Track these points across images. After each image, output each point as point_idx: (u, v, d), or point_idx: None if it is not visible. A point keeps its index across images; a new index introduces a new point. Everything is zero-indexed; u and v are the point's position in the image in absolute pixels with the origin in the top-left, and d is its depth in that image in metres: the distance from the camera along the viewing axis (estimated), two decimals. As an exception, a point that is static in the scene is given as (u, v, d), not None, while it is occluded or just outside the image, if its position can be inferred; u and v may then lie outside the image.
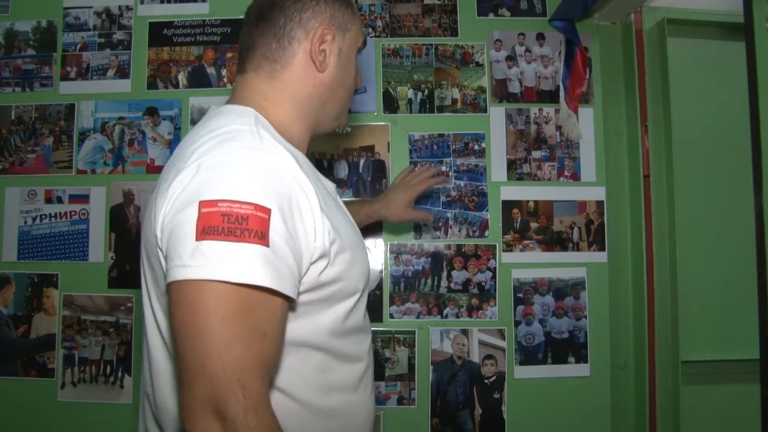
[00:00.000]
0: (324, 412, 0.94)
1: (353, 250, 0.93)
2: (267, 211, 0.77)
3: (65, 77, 2.01)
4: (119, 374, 1.92)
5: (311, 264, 0.85)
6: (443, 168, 1.94)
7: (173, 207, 0.79)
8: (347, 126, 1.16)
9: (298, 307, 0.87)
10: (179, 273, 0.76)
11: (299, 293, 0.85)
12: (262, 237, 0.76)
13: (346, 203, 1.15)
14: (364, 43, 1.09)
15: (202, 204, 0.76)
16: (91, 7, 2.03)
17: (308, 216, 0.83)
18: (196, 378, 0.74)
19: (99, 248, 1.95)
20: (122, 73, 2.00)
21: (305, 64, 0.98)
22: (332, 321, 0.92)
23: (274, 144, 0.86)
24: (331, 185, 1.06)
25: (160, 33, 2.01)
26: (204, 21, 2.01)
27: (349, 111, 1.21)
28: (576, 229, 1.95)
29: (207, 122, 0.93)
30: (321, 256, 0.86)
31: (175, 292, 0.77)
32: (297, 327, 0.88)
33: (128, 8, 2.03)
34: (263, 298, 0.77)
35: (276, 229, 0.78)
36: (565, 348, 1.93)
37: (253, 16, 1.01)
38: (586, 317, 1.93)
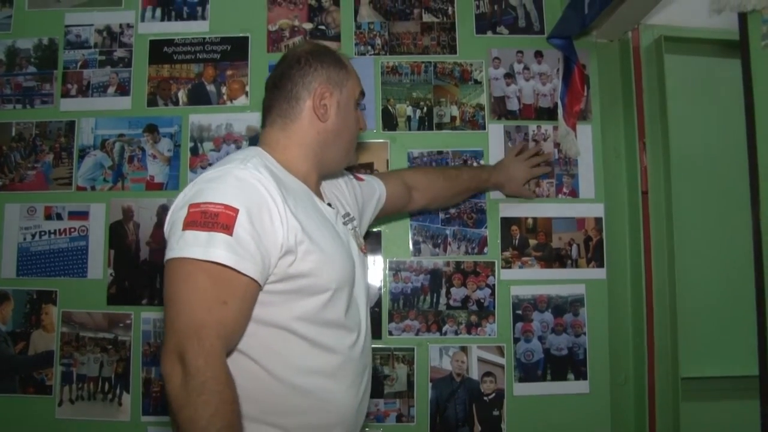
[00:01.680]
0: (298, 390, 1.13)
1: (327, 254, 1.15)
2: (235, 210, 1.03)
3: (66, 94, 2.02)
4: (117, 391, 1.91)
5: (280, 258, 1.08)
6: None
7: (174, 210, 1.10)
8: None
9: (274, 295, 1.11)
10: (168, 254, 1.04)
11: (273, 282, 1.10)
12: (227, 228, 1.02)
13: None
14: (362, 94, 1.36)
15: (191, 206, 1.05)
16: (92, 25, 2.04)
17: (276, 219, 1.07)
18: (169, 331, 1.00)
19: (98, 265, 1.95)
20: (122, 90, 2.01)
21: (310, 117, 1.25)
22: (304, 311, 1.13)
23: (257, 168, 1.12)
24: (330, 210, 1.30)
25: (160, 51, 2.03)
26: (204, 39, 2.02)
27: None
28: (575, 246, 1.96)
29: (227, 156, 1.26)
30: (287, 252, 1.09)
31: (165, 269, 1.05)
32: (272, 311, 1.11)
33: (129, 26, 2.04)
34: (228, 275, 1.02)
35: (241, 224, 1.03)
36: (565, 365, 1.92)
37: (270, 85, 1.29)
38: (585, 334, 1.93)
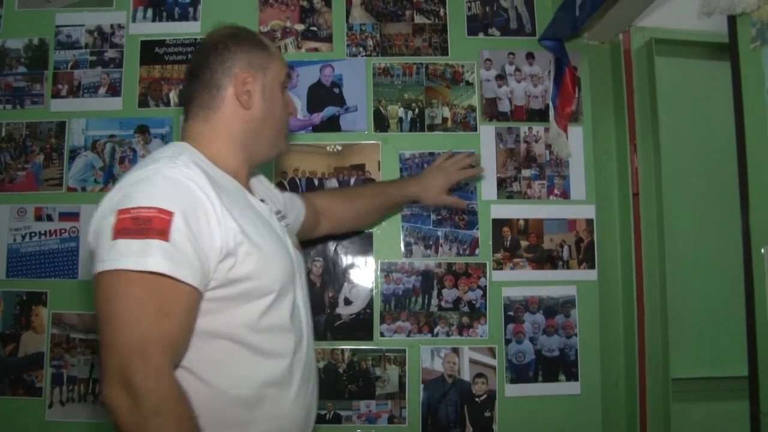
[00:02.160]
0: (245, 402, 1.07)
1: (267, 255, 1.09)
2: (169, 213, 0.96)
3: (56, 95, 2.01)
4: (108, 393, 1.90)
5: (219, 262, 1.02)
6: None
7: (99, 217, 1.01)
8: (287, 149, 1.38)
9: (215, 302, 1.03)
10: (98, 267, 0.95)
11: (214, 288, 1.02)
12: (162, 234, 0.94)
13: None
14: (289, 76, 1.30)
15: (119, 212, 0.96)
16: (83, 26, 2.03)
17: (213, 220, 1.01)
18: (108, 354, 0.92)
19: (89, 266, 1.93)
20: (113, 91, 2.00)
21: (234, 106, 1.18)
22: (248, 316, 1.07)
23: (187, 165, 1.04)
24: (263, 207, 1.23)
25: (151, 51, 2.02)
26: (195, 40, 2.01)
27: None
28: (566, 247, 1.96)
29: (150, 154, 1.16)
30: (227, 255, 1.02)
31: (96, 284, 0.96)
32: (215, 320, 1.04)
33: (120, 27, 2.03)
34: (167, 284, 0.94)
35: (177, 228, 0.95)
36: (556, 366, 1.93)
37: (188, 75, 1.23)
38: (576, 335, 1.93)
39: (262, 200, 1.25)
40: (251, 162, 1.24)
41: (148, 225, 0.94)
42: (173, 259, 0.94)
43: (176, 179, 1.01)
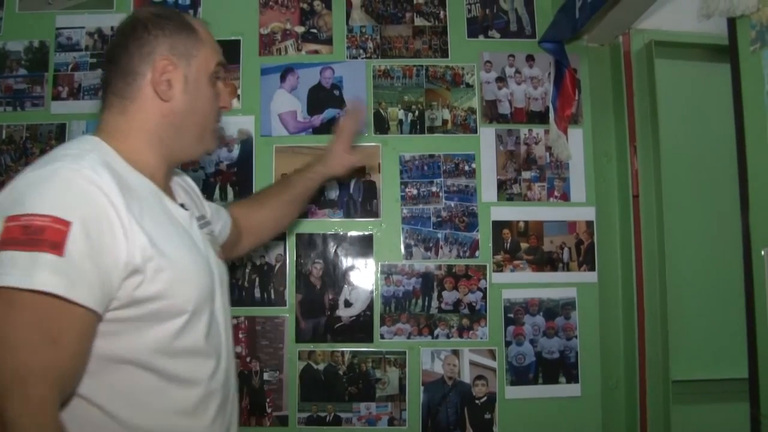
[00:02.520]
0: None
1: (181, 271, 0.97)
2: (66, 223, 0.83)
3: (57, 97, 2.01)
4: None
5: (124, 280, 0.89)
6: (433, 189, 1.95)
7: None
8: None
9: (119, 324, 0.91)
10: None
11: (117, 308, 0.90)
12: (56, 247, 0.81)
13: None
14: (221, 64, 1.13)
15: (8, 219, 0.83)
16: (83, 28, 2.03)
17: (119, 232, 0.88)
18: None
19: None
20: (114, 93, 2.00)
21: (152, 96, 1.04)
22: (158, 340, 0.94)
23: (93, 167, 0.90)
24: (183, 213, 1.10)
25: (151, 53, 2.02)
26: (196, 42, 2.01)
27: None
28: (566, 249, 1.96)
29: (54, 149, 1.00)
30: (133, 272, 0.89)
31: None
32: (118, 344, 0.91)
33: (120, 29, 2.03)
34: (57, 306, 0.82)
35: (74, 241, 0.83)
36: (556, 368, 1.92)
37: (104, 60, 1.10)
38: (576, 337, 1.93)
39: (182, 205, 1.12)
40: (171, 161, 1.11)
41: (39, 236, 0.81)
42: (67, 276, 0.82)
43: (78, 183, 0.87)
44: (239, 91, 1.99)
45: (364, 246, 1.93)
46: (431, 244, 1.94)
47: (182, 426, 0.99)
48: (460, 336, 1.92)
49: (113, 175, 0.92)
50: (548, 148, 2.00)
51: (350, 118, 1.63)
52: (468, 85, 2.01)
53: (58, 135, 1.99)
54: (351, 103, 1.79)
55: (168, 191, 1.10)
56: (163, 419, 0.96)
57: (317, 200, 1.93)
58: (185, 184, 1.25)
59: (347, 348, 1.90)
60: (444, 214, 1.95)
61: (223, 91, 1.14)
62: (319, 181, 1.60)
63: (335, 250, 1.93)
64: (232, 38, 2.02)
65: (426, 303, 1.92)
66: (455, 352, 1.91)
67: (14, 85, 2.01)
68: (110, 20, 2.04)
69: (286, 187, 1.58)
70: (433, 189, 1.95)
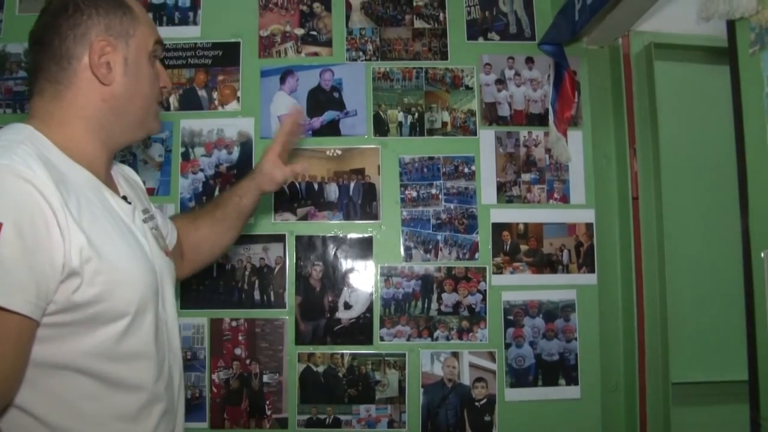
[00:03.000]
0: None
1: (121, 272, 0.91)
2: None
3: (56, 99, 2.01)
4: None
5: (61, 282, 0.83)
6: (433, 191, 1.95)
7: None
8: (156, 131, 1.14)
9: (56, 328, 0.85)
10: None
11: (54, 313, 0.84)
12: None
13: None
14: (159, 42, 1.08)
15: None
16: (84, 30, 2.04)
17: (55, 232, 0.81)
18: None
19: None
20: (113, 95, 2.00)
21: (89, 80, 0.98)
22: (99, 344, 0.89)
23: (25, 161, 0.83)
24: (125, 206, 1.04)
25: (151, 56, 2.02)
26: (195, 44, 2.02)
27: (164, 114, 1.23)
28: (566, 252, 1.96)
29: None
30: (71, 274, 0.84)
31: None
32: (57, 349, 0.86)
33: (120, 31, 2.03)
34: None
35: (6, 242, 0.77)
36: (556, 370, 1.92)
37: (31, 41, 1.00)
38: (576, 339, 1.93)
39: (124, 197, 1.05)
40: (111, 147, 1.05)
41: None
42: (0, 281, 0.77)
43: (9, 180, 0.80)
44: (239, 93, 1.99)
45: (364, 248, 1.93)
46: (431, 246, 1.94)
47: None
48: (460, 338, 1.92)
49: (49, 168, 0.85)
50: (548, 150, 2.00)
51: (285, 126, 1.47)
52: (467, 88, 2.01)
53: (58, 137, 1.98)
54: (290, 108, 1.58)
55: (109, 182, 1.05)
56: (104, 426, 0.91)
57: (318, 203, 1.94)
58: (128, 176, 1.19)
59: (347, 350, 1.90)
60: (444, 216, 1.95)
61: (161, 70, 1.10)
62: (252, 198, 1.42)
63: (335, 252, 1.93)
64: (232, 40, 2.02)
65: (426, 305, 1.92)
66: (455, 354, 1.91)
67: (14, 87, 2.01)
68: (110, 22, 2.04)
69: (217, 205, 1.43)
70: (433, 191, 1.95)
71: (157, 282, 1.01)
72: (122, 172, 1.16)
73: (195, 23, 2.04)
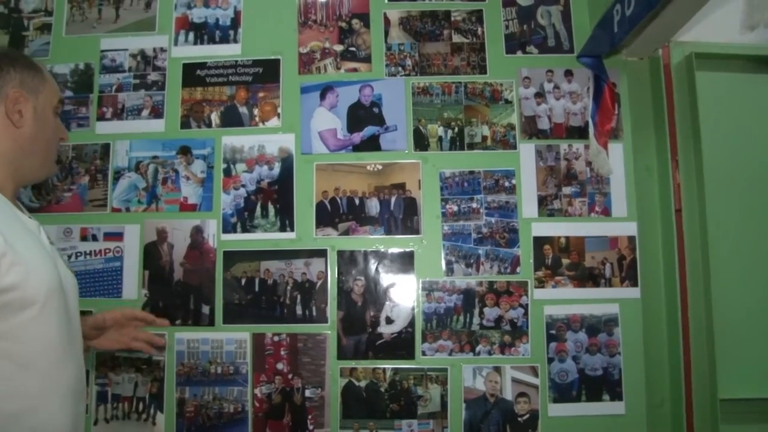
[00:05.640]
0: (5, 417, 1.04)
1: (32, 264, 1.08)
2: None
3: (101, 117, 2.05)
4: (151, 411, 1.92)
5: None
6: (474, 205, 1.95)
7: None
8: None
9: None
10: None
11: None
12: None
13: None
14: (61, 102, 1.31)
15: None
16: (127, 50, 2.09)
17: None
18: None
19: (132, 285, 1.97)
20: (156, 113, 2.05)
21: (4, 124, 1.18)
22: (11, 328, 1.04)
23: None
24: (32, 222, 1.22)
25: (193, 74, 2.06)
26: (236, 62, 2.05)
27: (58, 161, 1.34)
28: (608, 265, 1.94)
29: None
30: None
31: None
32: None
33: (162, 50, 2.08)
34: None
35: None
36: (600, 385, 1.90)
37: None
38: (620, 354, 1.91)
39: (30, 217, 1.23)
40: (18, 181, 1.23)
41: None
42: None
43: None
44: (279, 110, 2.02)
45: (405, 263, 1.93)
46: (472, 261, 1.93)
47: (28, 407, 1.07)
48: (502, 353, 1.90)
49: None
50: (588, 163, 1.98)
51: (140, 337, 1.51)
52: (507, 101, 2.01)
53: (103, 155, 2.03)
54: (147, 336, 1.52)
55: (16, 206, 1.21)
56: (11, 402, 1.05)
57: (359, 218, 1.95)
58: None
59: (389, 365, 1.90)
60: (485, 230, 1.94)
61: (61, 125, 1.31)
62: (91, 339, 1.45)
63: (376, 267, 1.94)
64: (272, 57, 2.05)
65: (467, 319, 1.91)
66: (497, 369, 1.90)
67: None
68: (152, 42, 2.09)
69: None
70: (474, 205, 1.95)
71: (60, 278, 1.16)
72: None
73: (235, 41, 2.07)
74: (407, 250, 1.94)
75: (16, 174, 1.21)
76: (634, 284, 1.94)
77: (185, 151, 2.02)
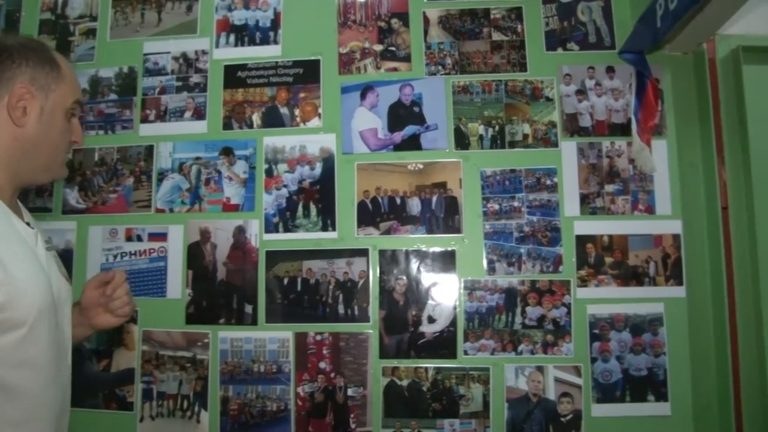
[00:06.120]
0: None
1: (22, 284, 1.00)
2: None
3: (145, 120, 2.09)
4: (196, 409, 1.95)
5: None
6: (515, 204, 1.94)
7: None
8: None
9: None
10: None
11: None
12: None
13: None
14: (78, 102, 1.19)
15: None
16: (169, 53, 2.12)
17: None
18: None
19: (176, 285, 2.00)
20: (199, 114, 2.08)
21: (5, 119, 1.09)
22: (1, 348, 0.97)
23: None
24: (29, 231, 1.13)
25: (234, 75, 2.08)
26: (277, 63, 2.07)
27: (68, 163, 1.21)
28: (652, 264, 1.91)
29: None
30: None
31: None
32: None
33: (204, 53, 2.11)
34: None
35: None
36: (644, 386, 1.88)
37: None
38: (665, 354, 1.88)
39: (28, 223, 1.14)
40: (17, 182, 1.14)
41: None
42: None
43: None
44: (320, 110, 2.03)
45: (447, 262, 1.93)
46: (514, 260, 1.92)
47: None
48: (545, 352, 1.89)
49: None
50: (631, 161, 1.96)
51: (124, 308, 1.32)
52: (548, 99, 1.99)
53: (147, 156, 2.07)
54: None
55: (15, 209, 1.14)
56: None
57: (400, 217, 1.95)
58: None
59: (431, 364, 1.90)
60: (526, 229, 1.93)
61: (76, 126, 1.20)
62: (83, 331, 1.31)
63: (418, 266, 1.94)
64: (312, 58, 2.06)
65: (509, 319, 1.91)
66: (540, 369, 1.89)
67: (105, 109, 2.11)
68: (194, 44, 2.12)
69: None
70: (515, 204, 1.94)
71: (53, 298, 1.09)
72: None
73: (276, 42, 2.09)
74: (449, 249, 1.94)
75: (15, 175, 1.12)
76: (679, 283, 1.91)
77: (227, 152, 2.04)
